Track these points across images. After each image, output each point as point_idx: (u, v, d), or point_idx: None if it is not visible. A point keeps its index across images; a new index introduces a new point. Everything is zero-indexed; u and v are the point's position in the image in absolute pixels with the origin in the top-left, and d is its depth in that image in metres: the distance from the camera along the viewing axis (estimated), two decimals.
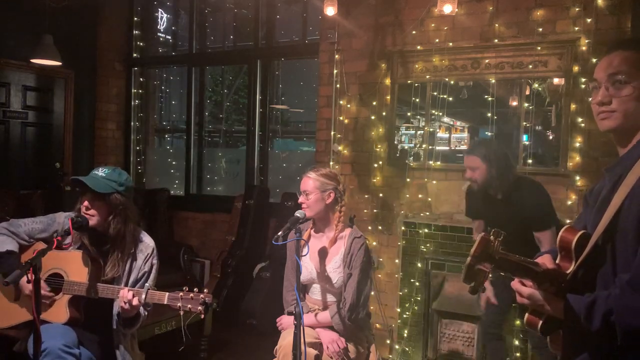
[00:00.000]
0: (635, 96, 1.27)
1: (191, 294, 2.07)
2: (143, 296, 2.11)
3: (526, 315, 1.35)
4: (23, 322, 2.24)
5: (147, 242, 2.42)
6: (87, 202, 2.27)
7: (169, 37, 6.20)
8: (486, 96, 3.69)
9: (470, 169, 2.79)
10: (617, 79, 1.28)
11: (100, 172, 2.31)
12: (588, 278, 1.30)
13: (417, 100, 3.89)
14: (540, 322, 1.31)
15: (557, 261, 1.34)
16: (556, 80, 3.70)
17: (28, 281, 1.92)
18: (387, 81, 3.97)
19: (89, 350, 2.26)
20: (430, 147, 3.92)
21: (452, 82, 3.79)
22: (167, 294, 2.11)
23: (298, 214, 2.31)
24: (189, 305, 2.06)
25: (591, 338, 1.22)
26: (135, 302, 2.10)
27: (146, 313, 2.34)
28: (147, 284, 2.22)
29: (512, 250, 2.58)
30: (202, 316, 2.10)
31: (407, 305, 3.78)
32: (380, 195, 3.94)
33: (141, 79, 6.02)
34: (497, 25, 3.55)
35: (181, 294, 2.08)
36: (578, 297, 1.23)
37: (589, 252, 1.28)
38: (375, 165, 3.97)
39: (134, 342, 2.45)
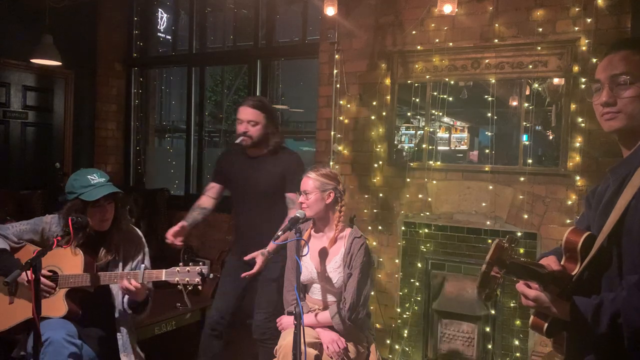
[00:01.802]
0: (639, 97, 1.26)
1: (187, 268, 2.14)
2: (140, 277, 2.18)
3: (531, 317, 1.35)
4: (21, 322, 2.24)
5: (134, 232, 2.53)
6: (109, 208, 2.36)
7: (169, 37, 6.20)
8: (486, 96, 3.69)
9: (247, 122, 2.75)
10: (621, 79, 1.27)
11: (100, 179, 2.36)
12: (594, 280, 1.29)
13: (417, 100, 3.89)
14: (546, 324, 1.30)
15: (562, 263, 1.34)
16: (556, 80, 3.69)
17: (28, 281, 1.92)
18: (387, 81, 3.97)
19: (89, 347, 2.27)
20: (430, 147, 3.92)
21: (452, 82, 3.79)
22: (164, 270, 2.18)
23: (298, 213, 2.31)
24: (187, 278, 2.14)
25: (597, 340, 1.22)
26: (134, 283, 2.18)
27: (150, 297, 2.39)
28: (142, 265, 2.30)
29: (260, 208, 2.72)
30: (200, 287, 2.22)
31: (407, 305, 3.78)
32: (380, 195, 3.94)
33: (141, 79, 6.01)
34: (497, 25, 3.55)
35: (177, 269, 2.15)
36: (584, 299, 1.22)
37: (594, 254, 1.27)
38: (375, 165, 3.97)
39: (133, 338, 2.46)
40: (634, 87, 1.26)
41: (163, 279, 2.17)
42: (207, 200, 3.00)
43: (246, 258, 2.57)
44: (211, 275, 2.25)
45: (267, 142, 2.81)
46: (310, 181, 2.46)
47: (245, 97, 2.89)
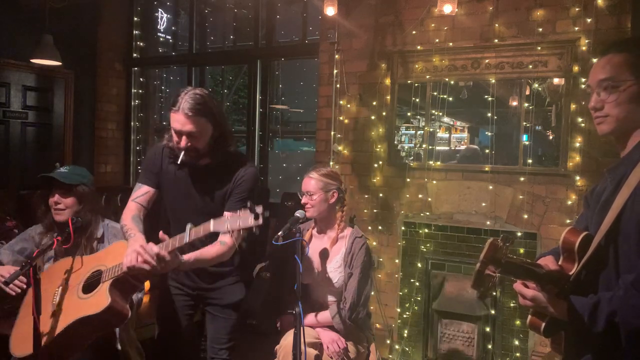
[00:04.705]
0: (624, 99, 1.29)
1: (238, 212, 1.80)
2: (186, 237, 1.87)
3: (529, 317, 1.36)
4: (65, 328, 2.01)
5: (117, 227, 2.42)
6: (57, 197, 2.35)
7: (169, 37, 6.20)
8: (486, 96, 3.69)
9: (187, 135, 2.05)
10: (606, 84, 1.31)
11: (62, 169, 2.41)
12: (591, 279, 1.30)
13: (417, 100, 3.89)
14: (543, 324, 1.31)
15: (559, 262, 1.34)
16: (556, 80, 3.70)
17: (28, 281, 1.92)
18: (387, 81, 3.97)
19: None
20: (430, 147, 3.92)
21: (452, 82, 3.79)
22: (211, 220, 1.85)
23: (298, 214, 2.31)
24: (239, 223, 1.77)
25: (594, 339, 1.22)
26: (163, 253, 1.89)
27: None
28: (189, 225, 1.90)
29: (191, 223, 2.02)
30: (257, 231, 1.78)
31: (407, 305, 3.78)
32: (380, 195, 3.94)
33: (141, 79, 6.02)
34: (497, 25, 3.55)
35: (228, 214, 1.83)
36: (581, 299, 1.23)
37: (592, 254, 1.28)
38: (375, 165, 3.97)
39: (132, 332, 2.45)
40: (618, 92, 1.29)
41: (211, 230, 1.83)
42: (138, 210, 2.20)
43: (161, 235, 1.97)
44: (267, 213, 1.80)
45: (217, 149, 2.15)
46: (313, 181, 2.45)
47: (177, 94, 2.07)
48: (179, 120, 2.02)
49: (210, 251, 2.08)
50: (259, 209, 1.75)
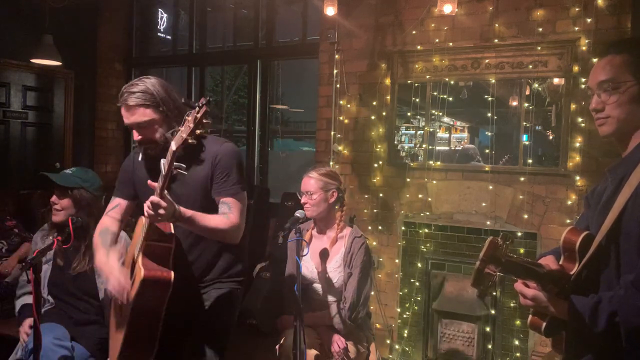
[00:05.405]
0: (624, 100, 1.29)
1: (185, 117, 1.68)
2: (162, 170, 1.74)
3: (529, 316, 1.36)
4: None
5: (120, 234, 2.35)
6: (54, 198, 2.38)
7: (169, 37, 6.20)
8: (486, 96, 3.69)
9: (135, 127, 1.93)
10: (606, 86, 1.31)
11: (68, 170, 2.45)
12: (592, 279, 1.30)
13: (417, 100, 3.89)
14: (544, 323, 1.31)
15: (560, 262, 1.35)
16: (556, 80, 3.70)
17: (28, 281, 1.92)
18: (387, 81, 3.97)
19: (84, 347, 2.25)
20: (430, 147, 3.92)
21: (452, 82, 3.79)
22: (171, 142, 1.72)
23: (298, 214, 2.32)
24: (190, 125, 1.65)
25: (595, 339, 1.22)
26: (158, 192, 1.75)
27: None
28: (162, 160, 1.77)
29: (183, 231, 1.94)
30: (201, 116, 1.63)
31: (407, 305, 3.78)
32: (380, 195, 3.94)
33: None
34: (497, 25, 3.55)
35: (179, 128, 1.70)
36: (582, 298, 1.23)
37: (593, 253, 1.28)
38: (375, 165, 3.97)
39: None
40: (618, 93, 1.29)
41: (173, 148, 1.69)
42: (110, 222, 2.11)
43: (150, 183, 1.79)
44: (209, 99, 1.68)
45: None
46: (313, 181, 2.46)
47: (123, 88, 1.94)
48: (123, 113, 1.93)
49: (211, 217, 1.90)
50: (201, 101, 1.64)
